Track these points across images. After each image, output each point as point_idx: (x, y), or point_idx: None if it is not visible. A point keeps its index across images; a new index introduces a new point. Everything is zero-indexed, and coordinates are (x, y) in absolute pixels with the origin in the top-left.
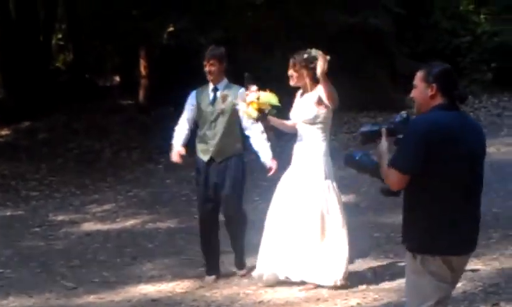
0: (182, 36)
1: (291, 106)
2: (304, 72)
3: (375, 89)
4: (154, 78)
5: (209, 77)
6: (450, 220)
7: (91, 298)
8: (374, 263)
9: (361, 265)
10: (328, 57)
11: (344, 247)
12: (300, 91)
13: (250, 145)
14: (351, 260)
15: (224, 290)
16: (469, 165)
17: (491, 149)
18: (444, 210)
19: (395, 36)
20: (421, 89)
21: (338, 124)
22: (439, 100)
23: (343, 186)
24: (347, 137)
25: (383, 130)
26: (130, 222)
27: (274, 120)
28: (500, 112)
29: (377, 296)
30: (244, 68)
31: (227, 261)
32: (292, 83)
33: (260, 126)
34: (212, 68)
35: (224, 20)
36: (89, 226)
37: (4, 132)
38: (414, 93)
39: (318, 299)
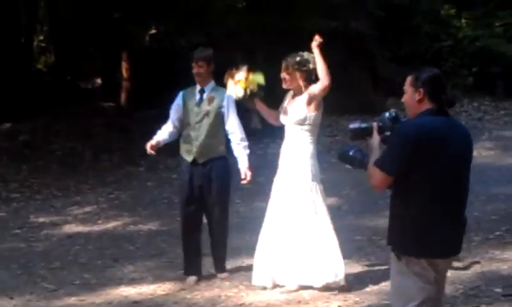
0: (164, 39)
1: (274, 109)
2: (297, 74)
3: (356, 92)
4: (136, 80)
5: (197, 79)
6: (435, 223)
7: (72, 300)
8: (355, 266)
9: None
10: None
11: (336, 247)
12: (291, 93)
13: (231, 148)
14: None
15: (205, 292)
16: (456, 169)
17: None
18: (430, 212)
19: (377, 39)
20: (410, 94)
21: (320, 127)
22: (427, 105)
23: (324, 189)
24: (330, 140)
25: (375, 125)
26: (111, 225)
27: (259, 104)
28: (481, 116)
29: (358, 299)
30: (224, 72)
31: (208, 263)
32: (284, 86)
33: (240, 134)
34: (201, 70)
35: (206, 24)
36: (71, 228)
37: None
38: (404, 98)
39: (299, 302)
